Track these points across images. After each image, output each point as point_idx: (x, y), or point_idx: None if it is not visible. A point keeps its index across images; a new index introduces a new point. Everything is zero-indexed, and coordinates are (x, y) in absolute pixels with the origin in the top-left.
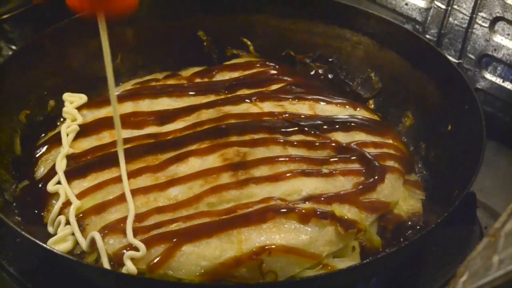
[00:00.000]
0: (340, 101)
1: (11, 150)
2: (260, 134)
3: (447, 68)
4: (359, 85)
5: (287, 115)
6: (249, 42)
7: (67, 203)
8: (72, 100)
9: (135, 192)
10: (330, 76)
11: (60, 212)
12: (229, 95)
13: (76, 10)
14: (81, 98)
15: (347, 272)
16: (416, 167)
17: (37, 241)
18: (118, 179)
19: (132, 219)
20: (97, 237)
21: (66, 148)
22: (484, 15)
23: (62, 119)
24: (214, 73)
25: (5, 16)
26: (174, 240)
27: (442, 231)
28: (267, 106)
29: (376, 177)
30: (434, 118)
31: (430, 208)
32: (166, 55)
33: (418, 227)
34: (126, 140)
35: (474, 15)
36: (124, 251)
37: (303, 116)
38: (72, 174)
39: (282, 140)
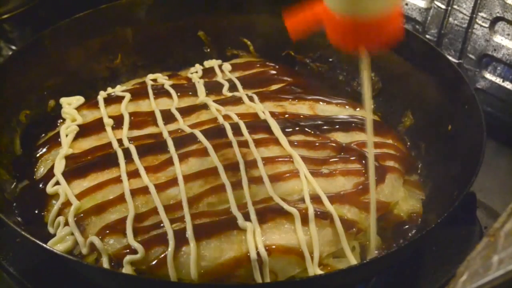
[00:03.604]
0: (340, 101)
1: (11, 150)
2: (260, 134)
3: (447, 68)
4: (359, 85)
5: (287, 115)
6: (249, 42)
7: (67, 203)
8: (70, 102)
9: (135, 192)
10: (330, 76)
11: (60, 213)
12: (229, 95)
13: (341, 48)
14: (78, 100)
15: (347, 272)
16: (416, 167)
17: (37, 241)
18: (118, 179)
19: (132, 219)
20: (96, 241)
21: (65, 148)
22: (484, 15)
23: (62, 119)
24: (214, 73)
25: (5, 16)
26: (174, 240)
27: (442, 231)
28: (267, 106)
29: (376, 177)
30: (434, 118)
31: (430, 208)
32: (166, 55)
33: (418, 227)
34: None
35: (474, 15)
36: (124, 251)
37: (303, 116)
38: (72, 174)
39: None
